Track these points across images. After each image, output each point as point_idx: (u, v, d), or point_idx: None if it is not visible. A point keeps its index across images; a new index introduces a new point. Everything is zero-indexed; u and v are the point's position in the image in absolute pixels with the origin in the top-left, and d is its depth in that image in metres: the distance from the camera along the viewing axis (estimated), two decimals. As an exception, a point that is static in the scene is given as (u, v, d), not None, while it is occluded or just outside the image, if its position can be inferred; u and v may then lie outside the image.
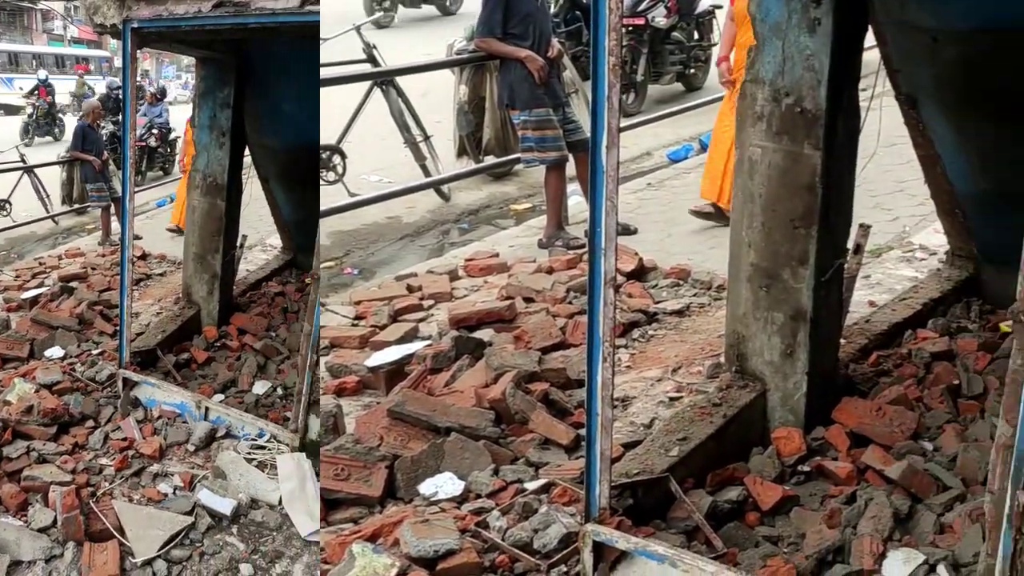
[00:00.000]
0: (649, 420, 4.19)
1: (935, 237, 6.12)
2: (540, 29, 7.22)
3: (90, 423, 4.98)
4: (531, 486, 3.71)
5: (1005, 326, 4.74)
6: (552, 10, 12.15)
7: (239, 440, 4.58)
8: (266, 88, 6.23)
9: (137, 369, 5.23)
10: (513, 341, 5.16)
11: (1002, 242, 4.67)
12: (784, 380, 3.89)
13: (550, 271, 6.33)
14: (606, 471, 3.19)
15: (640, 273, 6.17)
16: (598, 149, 2.98)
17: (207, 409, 4.79)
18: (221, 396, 5.32)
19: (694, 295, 5.84)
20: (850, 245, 4.21)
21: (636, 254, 6.28)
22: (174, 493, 4.21)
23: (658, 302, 5.73)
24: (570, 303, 5.67)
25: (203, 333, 6.21)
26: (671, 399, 4.41)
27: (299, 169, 6.73)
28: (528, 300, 5.82)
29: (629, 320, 5.40)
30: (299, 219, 7.28)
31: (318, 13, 4.00)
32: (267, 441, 4.50)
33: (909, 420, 3.92)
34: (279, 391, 5.37)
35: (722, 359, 4.22)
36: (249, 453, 4.41)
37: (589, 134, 3.02)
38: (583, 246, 6.72)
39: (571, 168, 7.57)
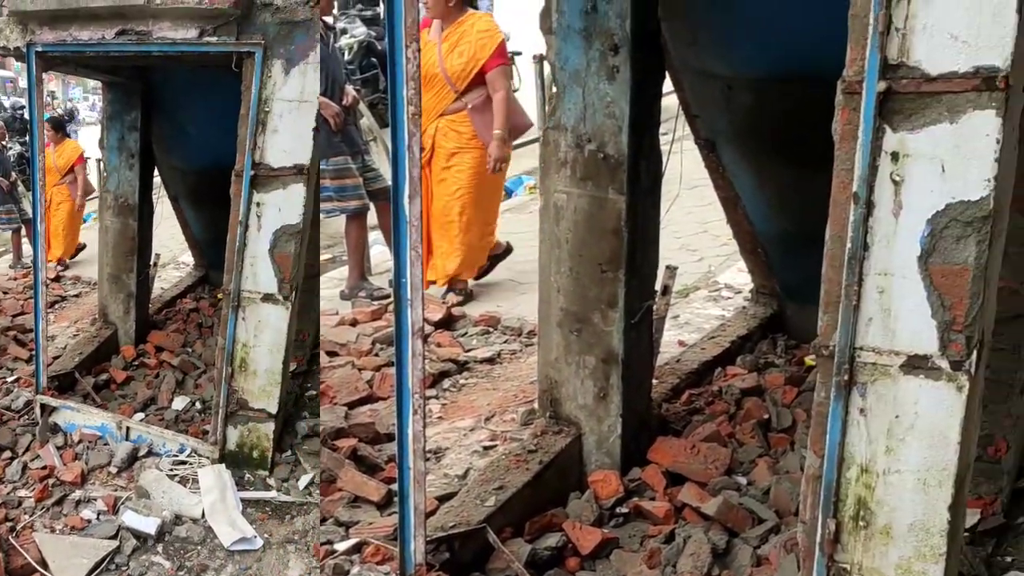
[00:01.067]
0: (464, 471, 4.12)
1: (740, 276, 6.31)
2: (332, 75, 7.08)
3: (7, 454, 4.82)
4: (341, 547, 3.57)
5: (810, 360, 4.88)
6: (347, 57, 12.06)
7: (161, 457, 4.53)
8: (171, 111, 6.29)
9: (55, 393, 5.10)
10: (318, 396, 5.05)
11: (802, 279, 4.84)
12: (599, 423, 3.90)
13: (354, 323, 6.23)
14: (421, 526, 3.11)
15: (448, 322, 6.15)
16: (400, 199, 2.93)
17: (128, 429, 4.71)
18: (141, 415, 5.27)
19: (504, 342, 5.84)
20: (658, 287, 4.26)
21: (443, 303, 6.24)
22: (98, 518, 4.08)
23: (468, 350, 5.71)
24: (376, 355, 5.58)
25: (121, 353, 6.16)
26: (485, 448, 4.35)
27: (208, 190, 6.56)
28: (332, 354, 5.70)
29: (439, 370, 5.34)
30: (209, 237, 7.43)
31: (223, 44, 4.14)
32: (188, 456, 4.50)
33: (723, 456, 3.97)
34: (197, 405, 5.35)
35: (535, 405, 4.20)
36: (171, 470, 4.39)
37: (389, 182, 2.96)
38: (387, 296, 6.65)
39: (372, 217, 7.48)
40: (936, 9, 2.36)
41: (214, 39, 4.14)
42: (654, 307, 4.15)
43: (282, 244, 4.18)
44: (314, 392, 5.38)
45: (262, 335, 4.31)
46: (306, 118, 4.09)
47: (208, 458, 4.43)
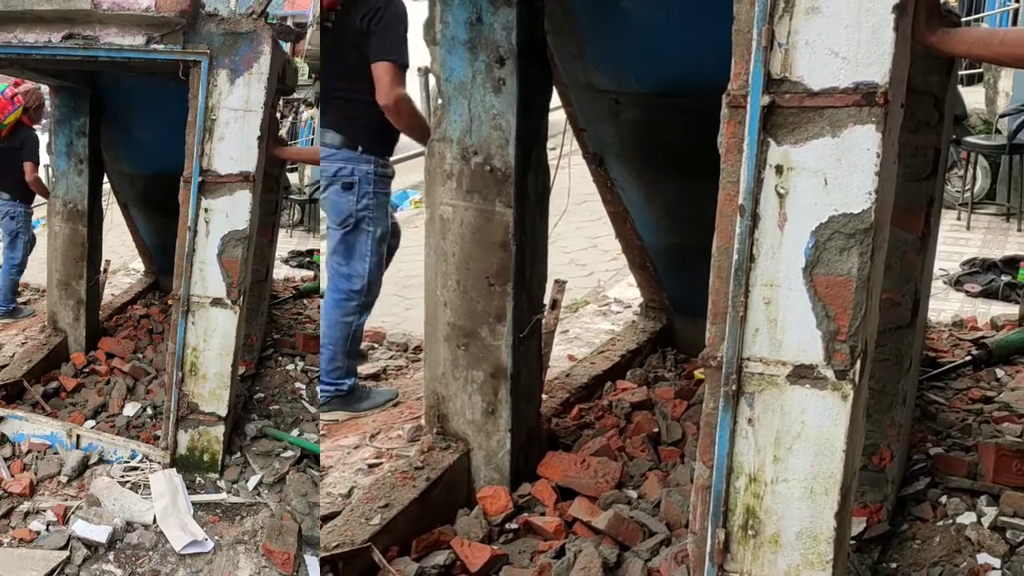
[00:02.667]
0: (348, 489, 4.05)
1: (629, 290, 6.36)
2: None
3: (-47, 468, 4.62)
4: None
5: (699, 373, 4.94)
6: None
7: (112, 464, 4.51)
8: (121, 117, 6.29)
9: (3, 403, 5.09)
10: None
11: (690, 293, 4.89)
12: (487, 438, 3.86)
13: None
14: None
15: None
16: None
17: (78, 437, 4.66)
18: (92, 422, 5.20)
19: (390, 358, 5.78)
20: (547, 301, 4.25)
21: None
22: (47, 529, 3.99)
23: (353, 367, 5.59)
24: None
25: (71, 360, 6.09)
26: (370, 466, 4.29)
27: (157, 196, 6.63)
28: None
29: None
30: (159, 243, 7.56)
31: (170, 52, 4.20)
32: (140, 462, 4.50)
33: (613, 470, 3.97)
34: (148, 411, 5.35)
35: (422, 421, 4.15)
36: (123, 476, 4.35)
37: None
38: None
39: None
40: (817, 25, 2.40)
41: (161, 47, 4.22)
42: (543, 321, 4.13)
43: (230, 249, 4.26)
44: (262, 395, 5.51)
45: (211, 339, 4.37)
46: (251, 127, 4.19)
47: (159, 463, 4.45)
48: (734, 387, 2.59)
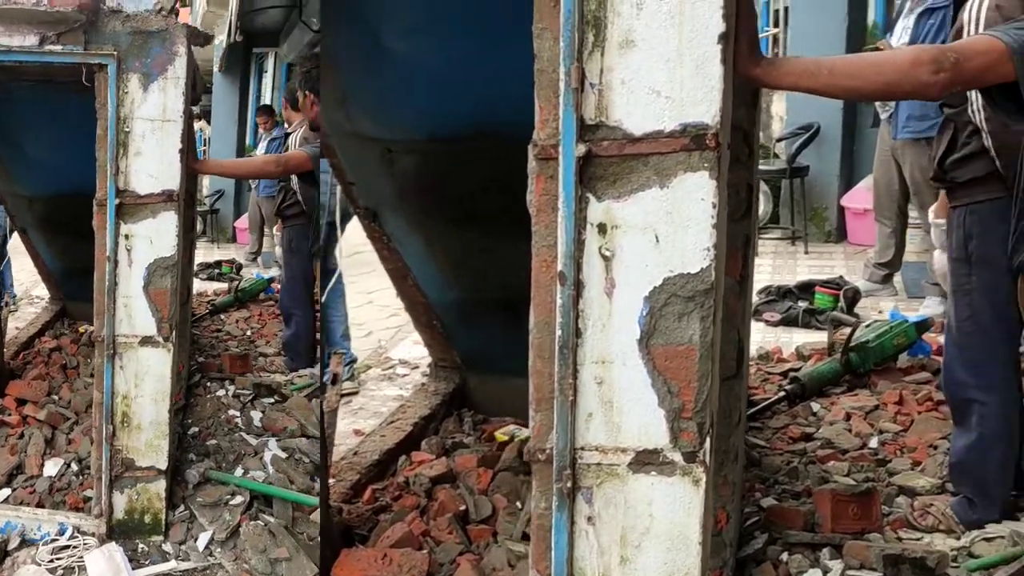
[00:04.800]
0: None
1: (415, 349, 6.00)
2: None
3: None
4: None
5: (500, 435, 4.64)
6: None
7: (38, 546, 3.95)
8: (12, 134, 5.80)
9: None
10: None
11: (483, 349, 4.56)
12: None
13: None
14: None
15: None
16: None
17: None
18: (7, 490, 4.50)
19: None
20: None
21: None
22: None
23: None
24: None
25: None
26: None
27: (60, 218, 6.18)
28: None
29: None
30: (64, 268, 7.11)
31: (69, 54, 3.74)
32: (71, 538, 3.98)
33: (419, 561, 3.55)
34: (73, 467, 4.67)
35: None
36: (52, 560, 3.85)
37: None
38: None
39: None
40: (634, 61, 2.08)
41: (58, 48, 3.73)
42: (324, 402, 3.74)
43: (157, 280, 3.86)
44: (196, 429, 4.99)
45: (144, 384, 3.94)
46: (171, 139, 3.80)
47: (93, 534, 3.97)
48: (568, 483, 2.23)
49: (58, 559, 3.86)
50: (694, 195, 2.09)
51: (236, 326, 7.37)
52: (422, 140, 4.00)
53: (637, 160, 2.11)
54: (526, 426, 4.77)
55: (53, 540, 3.98)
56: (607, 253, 2.15)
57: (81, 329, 6.76)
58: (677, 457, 2.19)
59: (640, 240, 2.13)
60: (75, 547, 3.93)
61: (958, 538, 3.37)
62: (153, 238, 3.84)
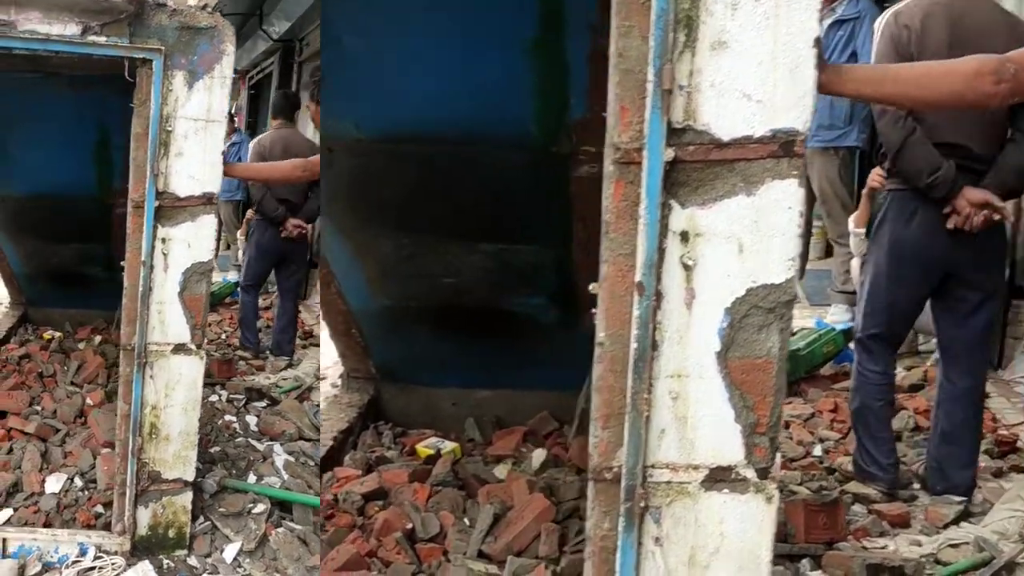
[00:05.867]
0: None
1: (326, 360, 5.74)
2: None
3: None
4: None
5: (423, 449, 4.49)
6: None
7: (60, 569, 3.72)
8: None
9: None
10: None
11: (401, 359, 4.39)
12: None
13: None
14: None
15: None
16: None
17: (3, 541, 3.79)
18: (10, 511, 4.12)
19: None
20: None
21: None
22: None
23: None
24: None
25: None
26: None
27: (32, 219, 5.87)
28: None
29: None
30: (30, 272, 6.70)
31: (114, 47, 3.47)
32: (94, 559, 3.75)
33: (359, 582, 3.40)
34: (77, 482, 4.33)
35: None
36: None
37: None
38: None
39: None
40: (726, 64, 2.01)
41: (102, 39, 3.46)
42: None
43: (193, 285, 3.70)
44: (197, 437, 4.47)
45: (175, 393, 3.79)
46: (214, 140, 3.62)
47: (116, 552, 3.78)
48: (643, 503, 2.13)
49: (86, 581, 3.71)
50: (781, 203, 2.03)
51: (211, 330, 7.14)
52: (365, 140, 3.83)
53: (722, 166, 2.04)
54: (447, 438, 4.66)
55: (75, 562, 3.77)
56: (689, 262, 2.06)
57: (46, 336, 6.39)
58: (750, 474, 2.13)
59: (724, 249, 2.06)
60: (101, 568, 3.74)
61: (920, 544, 3.44)
62: (191, 242, 3.67)
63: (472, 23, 3.40)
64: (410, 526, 3.81)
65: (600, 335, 2.14)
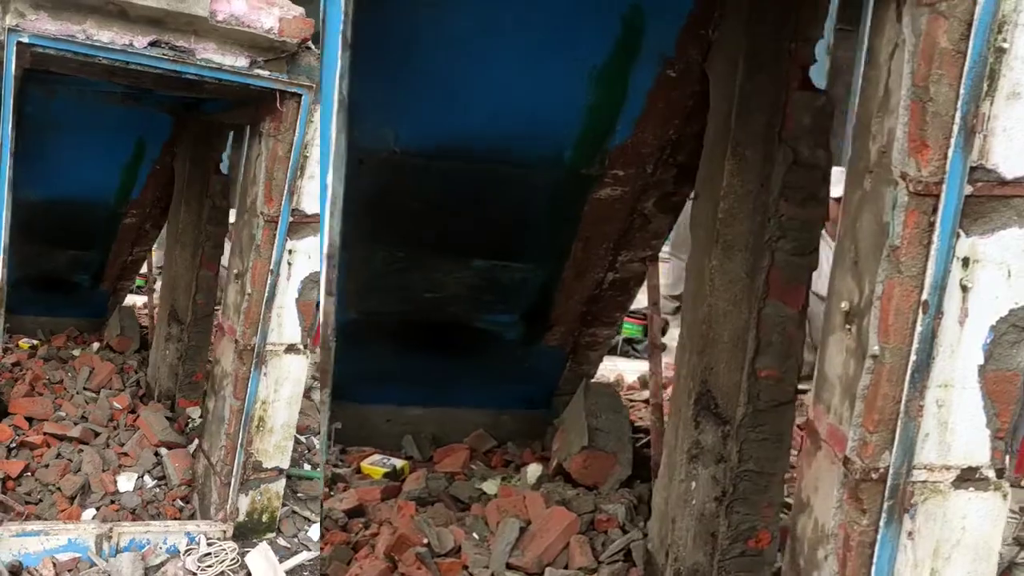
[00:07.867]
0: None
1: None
2: None
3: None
4: None
5: (367, 467, 4.49)
6: None
7: (180, 558, 3.94)
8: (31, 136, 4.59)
9: None
10: None
11: (358, 375, 4.37)
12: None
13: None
14: None
15: None
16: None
17: (118, 535, 3.96)
18: (93, 511, 4.35)
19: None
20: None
21: None
22: None
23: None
24: None
25: None
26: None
27: (39, 225, 5.50)
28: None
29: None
30: (16, 278, 5.67)
31: (274, 80, 3.80)
32: (209, 544, 4.06)
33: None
34: (147, 480, 4.66)
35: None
36: (202, 569, 3.89)
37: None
38: None
39: None
40: (1015, 112, 2.29)
41: (265, 72, 3.80)
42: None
43: (307, 292, 4.12)
44: None
45: (282, 388, 4.18)
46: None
47: (220, 538, 4.13)
48: (911, 501, 2.36)
49: (208, 567, 3.93)
50: (1046, 234, 2.34)
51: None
52: (399, 153, 3.80)
53: (1000, 201, 2.31)
54: (391, 455, 4.65)
55: (186, 551, 4.03)
56: (967, 284, 2.32)
57: (23, 344, 6.20)
58: (991, 474, 2.41)
59: (995, 274, 2.33)
60: (218, 553, 4.02)
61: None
62: (311, 254, 4.07)
63: (548, 46, 3.46)
64: (426, 541, 3.81)
65: (874, 348, 2.34)
